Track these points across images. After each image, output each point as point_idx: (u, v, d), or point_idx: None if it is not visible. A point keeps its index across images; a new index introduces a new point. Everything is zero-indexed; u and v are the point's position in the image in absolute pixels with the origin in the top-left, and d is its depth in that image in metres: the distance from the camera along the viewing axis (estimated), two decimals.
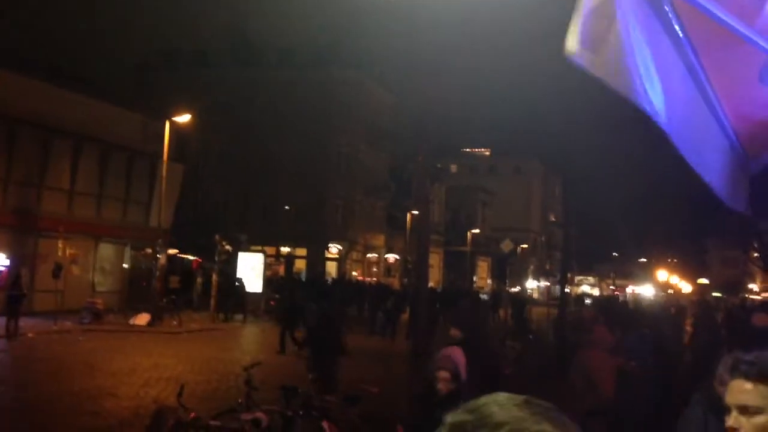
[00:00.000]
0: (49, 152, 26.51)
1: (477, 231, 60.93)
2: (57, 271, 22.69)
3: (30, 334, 19.75)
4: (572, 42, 2.01)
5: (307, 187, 43.58)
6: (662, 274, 73.57)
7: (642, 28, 2.12)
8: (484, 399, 0.94)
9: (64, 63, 31.47)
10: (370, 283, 41.68)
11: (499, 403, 0.92)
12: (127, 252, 30.53)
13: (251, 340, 23.42)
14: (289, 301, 20.94)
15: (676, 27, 2.27)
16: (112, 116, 28.81)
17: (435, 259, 55.56)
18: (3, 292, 24.54)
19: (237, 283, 29.82)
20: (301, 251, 45.56)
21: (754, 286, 67.12)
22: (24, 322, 21.84)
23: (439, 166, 57.21)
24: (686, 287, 73.66)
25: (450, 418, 0.94)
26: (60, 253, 23.94)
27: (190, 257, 36.08)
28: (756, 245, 50.06)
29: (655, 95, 2.02)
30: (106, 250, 29.67)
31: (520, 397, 0.94)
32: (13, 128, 24.95)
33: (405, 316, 27.05)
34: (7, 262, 24.94)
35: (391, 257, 52.98)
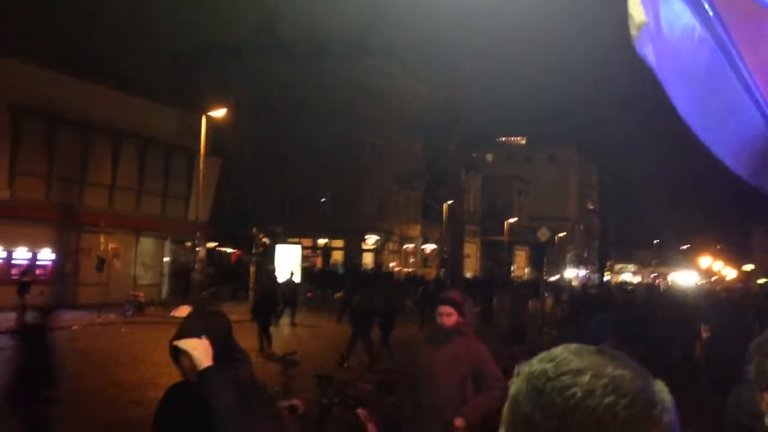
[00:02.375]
0: (89, 148, 27.06)
1: (514, 220, 60.51)
2: (100, 264, 23.22)
3: (75, 326, 20.23)
4: (633, 26, 2.00)
5: (342, 179, 43.74)
6: (705, 261, 72.12)
7: (669, 5, 2.09)
8: (558, 350, 0.97)
9: (102, 60, 32.04)
10: (399, 274, 41.83)
11: (575, 352, 0.95)
12: (167, 245, 31.05)
13: (288, 331, 23.64)
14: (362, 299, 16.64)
15: (705, 4, 2.24)
16: (150, 112, 29.30)
17: (472, 249, 55.40)
18: (50, 284, 25.26)
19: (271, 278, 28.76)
20: (338, 243, 45.78)
21: None
22: (69, 315, 22.38)
23: (474, 155, 56.94)
24: (731, 273, 72.08)
25: (527, 367, 0.96)
26: (102, 248, 24.49)
27: (229, 250, 36.54)
28: None
29: (682, 77, 2.00)
30: (147, 244, 30.23)
31: (592, 347, 0.96)
32: (54, 125, 25.52)
33: None
34: (53, 257, 25.64)
35: (428, 247, 52.95)
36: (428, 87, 47.45)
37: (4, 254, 23.71)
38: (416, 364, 5.19)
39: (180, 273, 29.27)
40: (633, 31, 1.99)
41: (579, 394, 0.89)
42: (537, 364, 0.96)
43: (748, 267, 71.20)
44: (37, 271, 25.26)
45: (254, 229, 29.44)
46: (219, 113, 27.59)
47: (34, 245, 24.97)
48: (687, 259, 78.20)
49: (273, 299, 19.09)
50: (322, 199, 44.38)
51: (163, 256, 30.96)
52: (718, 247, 76.80)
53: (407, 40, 45.98)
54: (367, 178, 45.00)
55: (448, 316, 4.96)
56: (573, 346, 0.97)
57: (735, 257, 75.63)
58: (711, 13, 2.27)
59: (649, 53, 2.07)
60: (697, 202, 71.24)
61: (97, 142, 27.43)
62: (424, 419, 4.94)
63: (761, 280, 53.93)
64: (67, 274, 25.79)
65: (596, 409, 0.88)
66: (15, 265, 24.03)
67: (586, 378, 0.90)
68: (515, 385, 0.97)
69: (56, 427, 7.59)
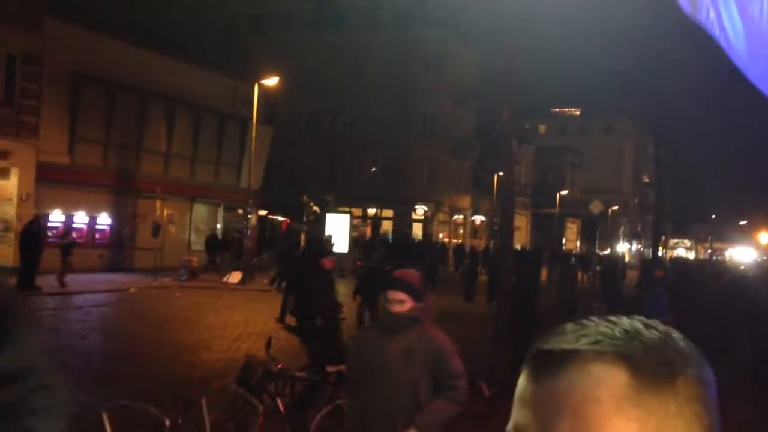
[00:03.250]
0: (145, 116, 27.62)
1: (566, 192, 59.64)
2: (156, 230, 23.80)
3: (132, 289, 20.88)
4: None
5: (392, 148, 43.70)
6: (764, 237, 69.96)
7: None
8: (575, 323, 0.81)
9: (158, 27, 32.46)
10: (443, 243, 41.77)
11: (582, 324, 0.79)
12: (220, 212, 31.64)
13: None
14: None
15: None
16: (204, 80, 29.68)
17: (522, 221, 54.88)
18: (106, 249, 26.04)
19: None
20: (388, 212, 45.91)
21: None
22: (125, 278, 23.10)
23: (526, 126, 56.13)
24: None
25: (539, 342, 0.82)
26: (158, 213, 25.09)
27: (280, 218, 37.03)
28: None
29: (739, 41, 1.94)
30: (200, 210, 30.86)
31: (612, 318, 0.80)
32: (112, 92, 26.09)
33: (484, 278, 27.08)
34: (110, 221, 26.38)
35: (478, 219, 52.68)
36: (482, 55, 46.83)
37: (63, 218, 24.42)
38: (360, 357, 4.15)
39: (232, 239, 29.81)
40: None
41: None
42: (549, 336, 0.81)
43: None
44: (96, 235, 26.05)
45: (305, 197, 29.73)
46: (271, 82, 27.77)
47: (93, 210, 25.71)
48: (745, 235, 75.99)
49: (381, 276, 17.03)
50: (373, 169, 44.44)
51: (216, 223, 31.58)
52: None
53: (461, 6, 45.27)
54: (418, 147, 44.85)
55: (400, 303, 3.98)
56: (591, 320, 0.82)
57: None
58: None
59: (706, 17, 2.01)
60: (756, 176, 68.84)
61: (153, 110, 27.96)
62: (370, 425, 3.97)
63: None
64: (124, 239, 26.56)
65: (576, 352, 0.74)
66: (74, 229, 24.78)
67: (588, 339, 0.75)
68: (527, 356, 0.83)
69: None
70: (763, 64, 2.14)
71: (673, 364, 0.73)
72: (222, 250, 28.57)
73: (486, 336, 13.20)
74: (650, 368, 0.72)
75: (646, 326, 0.77)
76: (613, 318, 0.79)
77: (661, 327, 0.78)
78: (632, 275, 36.58)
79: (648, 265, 26.20)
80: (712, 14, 1.90)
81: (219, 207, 31.52)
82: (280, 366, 6.49)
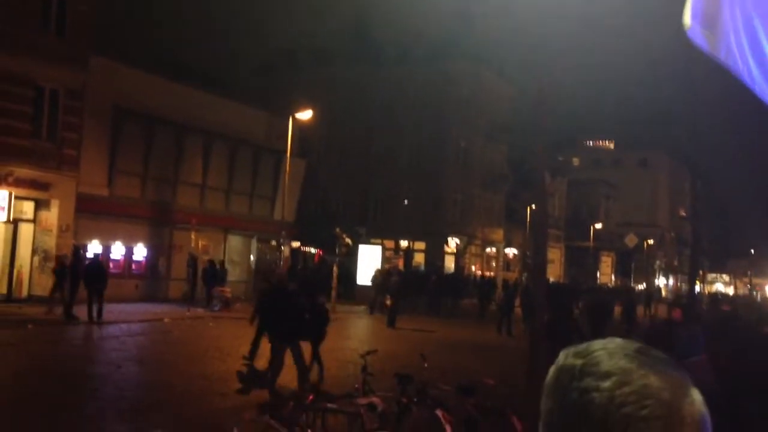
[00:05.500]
0: (182, 149, 28.13)
1: (600, 226, 59.00)
2: (191, 261, 24.10)
3: (166, 320, 21.09)
4: (687, 16, 1.99)
5: (425, 181, 43.80)
6: None
7: (757, 3, 2.06)
8: (597, 344, 0.93)
9: (193, 63, 33.27)
10: (475, 277, 41.63)
11: (610, 352, 0.91)
12: (254, 244, 31.93)
13: (367, 330, 23.86)
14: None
15: None
16: (239, 114, 30.23)
17: (556, 254, 54.36)
18: (142, 279, 26.41)
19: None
20: (420, 245, 45.84)
21: None
22: (160, 308, 23.36)
23: (560, 159, 55.85)
24: None
25: (562, 359, 0.95)
26: (193, 245, 25.42)
27: (313, 250, 37.21)
28: None
29: (759, 63, 1.96)
30: (235, 241, 31.17)
31: (632, 346, 0.92)
32: (150, 126, 26.68)
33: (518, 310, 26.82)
34: (145, 252, 26.79)
35: (510, 251, 52.30)
36: (515, 88, 46.91)
37: (100, 248, 24.87)
38: None
39: (266, 271, 30.01)
40: (688, 21, 1.96)
41: (597, 400, 0.86)
42: (570, 358, 0.93)
43: None
44: (132, 266, 26.46)
45: (337, 230, 29.88)
46: (305, 116, 28.15)
47: (130, 241, 26.16)
48: None
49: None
50: (405, 201, 44.54)
51: (250, 254, 31.85)
52: None
53: (494, 41, 45.58)
54: (451, 180, 44.90)
55: None
56: (614, 343, 0.93)
57: None
58: None
59: (726, 54, 2.03)
60: None
61: (190, 143, 28.48)
62: None
63: None
64: (160, 269, 26.92)
65: (611, 418, 0.85)
66: (113, 260, 25.21)
67: (608, 383, 0.87)
68: (549, 376, 0.95)
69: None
70: None
71: None
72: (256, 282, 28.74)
73: (520, 370, 13.03)
74: None
75: None
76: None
77: None
78: (662, 310, 35.85)
79: (691, 300, 25.59)
80: (734, 48, 1.92)
81: (253, 238, 31.82)
82: (311, 398, 6.51)
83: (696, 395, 0.89)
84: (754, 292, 65.80)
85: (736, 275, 78.88)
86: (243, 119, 30.26)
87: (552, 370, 0.95)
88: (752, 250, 78.64)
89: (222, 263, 27.15)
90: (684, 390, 0.88)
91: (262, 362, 11.35)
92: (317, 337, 12.46)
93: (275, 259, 28.56)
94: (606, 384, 0.87)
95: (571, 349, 0.95)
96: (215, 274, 25.65)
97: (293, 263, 33.00)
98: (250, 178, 31.54)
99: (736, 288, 73.76)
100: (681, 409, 0.86)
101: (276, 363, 11.31)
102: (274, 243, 29.69)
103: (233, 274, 30.13)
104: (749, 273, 78.66)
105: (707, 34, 1.98)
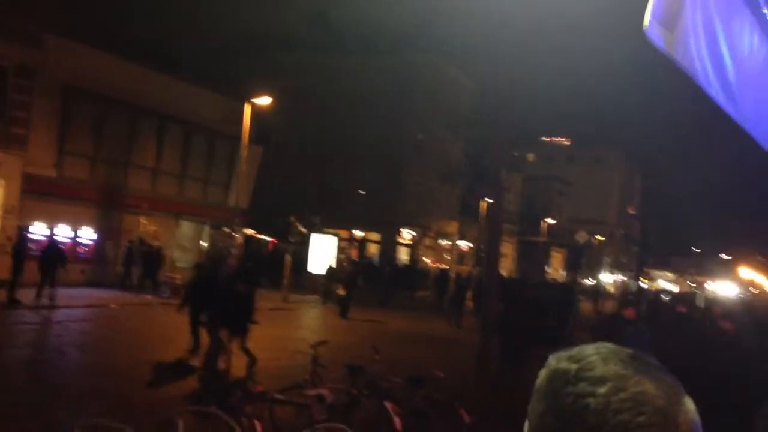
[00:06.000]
0: (135, 131, 27.52)
1: (552, 221, 59.89)
2: (133, 246, 23.60)
3: (113, 305, 20.67)
4: (647, 15, 1.97)
5: (383, 172, 43.78)
6: (745, 272, 70.55)
7: (718, 5, 2.06)
8: (589, 350, 0.92)
9: (151, 43, 32.48)
10: (429, 269, 42.00)
11: (604, 356, 0.90)
12: (206, 230, 31.48)
13: (319, 320, 23.80)
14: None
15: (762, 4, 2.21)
16: (196, 97, 29.68)
17: (508, 249, 54.98)
18: (89, 264, 25.81)
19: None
20: (375, 236, 45.87)
21: None
22: (107, 294, 22.89)
23: (516, 154, 56.46)
24: None
25: (554, 362, 0.93)
26: (142, 229, 24.93)
27: (267, 238, 36.91)
28: None
29: (723, 77, 1.96)
30: (186, 227, 30.68)
31: (626, 351, 0.92)
32: (102, 107, 26.02)
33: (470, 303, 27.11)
34: (95, 236, 26.17)
35: (464, 245, 52.72)
36: (475, 83, 47.17)
37: (47, 231, 24.20)
38: None
39: (225, 257, 29.64)
40: (647, 20, 1.95)
41: (593, 406, 0.85)
42: (563, 362, 0.92)
43: None
44: (79, 250, 25.82)
45: (291, 218, 29.67)
46: (263, 102, 27.81)
47: (77, 224, 25.50)
48: (727, 270, 76.58)
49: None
50: (361, 192, 44.46)
51: (202, 240, 31.40)
52: (760, 258, 74.98)
53: (456, 35, 45.69)
54: (408, 172, 44.98)
55: None
56: (606, 348, 0.92)
57: None
58: (765, 11, 2.23)
59: (684, 54, 2.02)
60: (740, 211, 69.67)
61: (144, 126, 27.89)
62: None
63: None
64: (108, 254, 26.34)
65: (607, 424, 0.84)
66: (60, 242, 24.54)
67: (604, 389, 0.86)
68: (539, 379, 0.93)
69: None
70: (752, 101, 2.16)
71: None
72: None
73: (470, 362, 13.14)
74: None
75: None
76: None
77: None
78: (611, 305, 36.66)
79: (635, 298, 26.17)
80: (693, 49, 1.91)
81: (205, 225, 31.38)
82: (259, 388, 6.43)
83: (689, 403, 0.89)
84: (697, 291, 67.74)
85: (680, 273, 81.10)
86: (200, 103, 29.73)
87: (543, 373, 0.94)
88: (696, 249, 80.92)
89: (159, 249, 26.49)
90: (678, 397, 0.88)
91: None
92: (237, 328, 11.45)
93: (227, 246, 28.20)
94: (602, 390, 0.86)
95: (563, 353, 0.94)
96: (153, 259, 25.10)
97: (246, 251, 32.65)
98: (204, 163, 31.06)
99: (680, 286, 75.79)
100: (676, 416, 0.86)
101: (211, 351, 11.14)
102: (227, 230, 29.30)
103: (184, 260, 29.68)
104: (691, 271, 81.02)
105: (666, 34, 1.96)
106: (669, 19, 1.94)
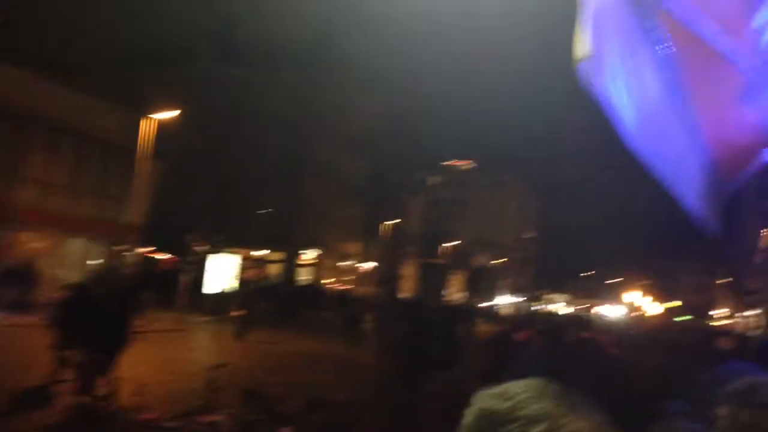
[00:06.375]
0: (23, 141, 26.07)
1: (453, 244, 61.06)
2: (26, 263, 22.28)
3: None
4: (579, 49, 1.95)
5: (286, 192, 43.37)
6: (630, 295, 74.57)
7: (627, 41, 2.06)
8: (519, 386, 0.86)
9: (44, 49, 31.03)
10: (331, 290, 41.95)
11: (537, 393, 0.84)
12: (97, 248, 30.10)
13: (215, 342, 23.14)
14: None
15: (661, 42, 2.23)
16: (92, 108, 28.45)
17: (409, 270, 55.59)
18: None
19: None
20: (277, 256, 45.28)
21: (725, 310, 67.88)
22: None
23: (418, 177, 57.37)
24: (658, 309, 74.44)
25: (480, 401, 0.87)
26: (24, 246, 23.56)
27: (162, 256, 35.76)
28: (727, 270, 50.63)
29: (630, 111, 1.95)
30: (76, 244, 29.22)
31: (554, 387, 0.86)
32: None
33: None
34: None
35: (366, 265, 52.84)
36: (380, 105, 47.65)
37: None
38: None
39: (106, 276, 28.37)
40: (578, 59, 1.94)
41: None
42: (491, 400, 0.85)
43: (673, 303, 73.54)
44: None
45: (189, 237, 28.87)
46: (163, 115, 27.03)
47: None
48: (616, 293, 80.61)
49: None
50: (263, 211, 43.83)
51: (92, 259, 29.96)
52: (646, 282, 79.31)
53: (363, 56, 46.12)
54: (311, 192, 44.74)
55: None
56: (534, 384, 0.86)
57: (662, 293, 78.13)
58: (666, 50, 2.25)
59: (600, 84, 2.02)
60: (630, 237, 73.52)
61: (32, 135, 26.44)
62: None
63: (683, 317, 55.93)
64: None
65: None
66: None
67: (538, 429, 0.80)
68: (465, 418, 0.86)
69: None
70: (649, 136, 2.17)
71: None
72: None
73: (370, 385, 13.02)
74: None
75: None
76: None
77: None
78: (507, 328, 37.47)
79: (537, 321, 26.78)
80: (612, 83, 1.90)
81: (96, 242, 29.97)
82: (146, 416, 6.07)
83: None
84: (590, 312, 70.83)
85: (575, 296, 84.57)
86: (94, 113, 28.48)
87: (470, 412, 0.87)
88: (588, 273, 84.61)
89: (29, 266, 24.93)
90: None
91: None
92: (110, 351, 10.75)
93: (116, 265, 27.03)
94: (535, 430, 0.81)
95: (489, 391, 0.88)
96: (23, 277, 23.59)
97: (139, 269, 31.48)
98: (98, 177, 29.74)
99: (573, 306, 79.04)
100: None
101: (86, 375, 10.53)
102: (119, 248, 28.12)
103: (70, 279, 28.17)
104: (583, 294, 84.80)
105: (586, 65, 1.94)
106: (591, 50, 1.92)
